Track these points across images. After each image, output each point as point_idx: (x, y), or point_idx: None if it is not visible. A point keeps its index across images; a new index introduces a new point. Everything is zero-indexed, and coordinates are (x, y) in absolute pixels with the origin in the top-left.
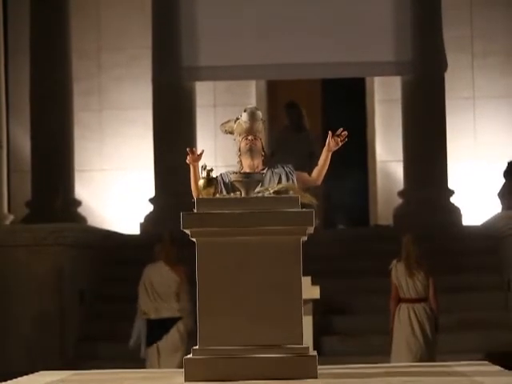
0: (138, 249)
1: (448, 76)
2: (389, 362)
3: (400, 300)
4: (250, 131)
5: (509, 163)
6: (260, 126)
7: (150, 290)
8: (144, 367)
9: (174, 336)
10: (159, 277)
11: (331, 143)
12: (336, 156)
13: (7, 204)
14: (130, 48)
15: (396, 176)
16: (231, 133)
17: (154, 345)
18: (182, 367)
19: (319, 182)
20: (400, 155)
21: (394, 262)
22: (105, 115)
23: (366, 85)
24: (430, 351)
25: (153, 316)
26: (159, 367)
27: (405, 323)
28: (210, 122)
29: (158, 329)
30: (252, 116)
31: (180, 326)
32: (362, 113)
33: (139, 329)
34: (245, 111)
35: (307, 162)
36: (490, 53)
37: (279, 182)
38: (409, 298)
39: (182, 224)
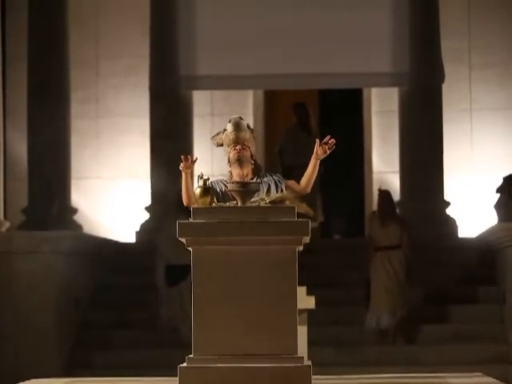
0: (134, 257)
1: (445, 88)
2: (383, 372)
3: (375, 249)
4: (237, 141)
5: (504, 178)
6: (247, 135)
7: (171, 240)
8: (141, 374)
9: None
10: None
11: (319, 151)
12: (333, 166)
13: (3, 211)
14: (127, 57)
15: (392, 187)
16: (222, 145)
17: (175, 287)
18: None
19: (308, 190)
20: (396, 166)
21: (370, 214)
22: (102, 123)
23: (363, 96)
24: (403, 294)
25: (173, 262)
26: (180, 306)
27: (380, 270)
28: (208, 131)
29: (178, 273)
30: (236, 126)
31: None
32: (358, 123)
33: (160, 274)
34: (229, 122)
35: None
36: (488, 65)
37: (268, 190)
38: (383, 246)
39: (179, 233)
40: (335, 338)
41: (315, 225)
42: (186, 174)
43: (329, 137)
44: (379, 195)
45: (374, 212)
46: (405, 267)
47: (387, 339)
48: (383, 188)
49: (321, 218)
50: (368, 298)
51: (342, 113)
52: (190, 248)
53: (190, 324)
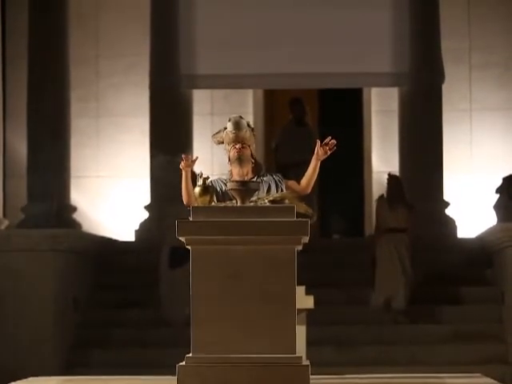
0: (133, 256)
1: (445, 87)
2: (382, 371)
3: (383, 231)
4: (237, 140)
5: (503, 179)
6: (247, 134)
7: (173, 227)
8: (140, 373)
9: None
10: None
11: (320, 152)
12: (333, 165)
13: (3, 209)
14: (127, 55)
15: None
16: (223, 143)
17: (178, 268)
18: None
19: (308, 190)
20: (396, 166)
21: (378, 197)
22: (102, 122)
23: (363, 95)
24: (407, 275)
25: (176, 245)
26: (174, 288)
27: (386, 251)
28: (208, 130)
29: (181, 256)
30: (236, 125)
31: None
32: (358, 123)
33: (164, 257)
34: (229, 121)
35: (308, 156)
36: (488, 65)
37: (268, 190)
38: (391, 228)
39: (178, 232)
40: (334, 338)
41: (313, 221)
42: (185, 172)
43: (329, 138)
44: (388, 179)
45: (383, 195)
46: (410, 250)
47: (391, 318)
48: (392, 174)
49: (315, 217)
50: (373, 277)
51: (342, 112)
52: (188, 247)
53: (187, 299)
